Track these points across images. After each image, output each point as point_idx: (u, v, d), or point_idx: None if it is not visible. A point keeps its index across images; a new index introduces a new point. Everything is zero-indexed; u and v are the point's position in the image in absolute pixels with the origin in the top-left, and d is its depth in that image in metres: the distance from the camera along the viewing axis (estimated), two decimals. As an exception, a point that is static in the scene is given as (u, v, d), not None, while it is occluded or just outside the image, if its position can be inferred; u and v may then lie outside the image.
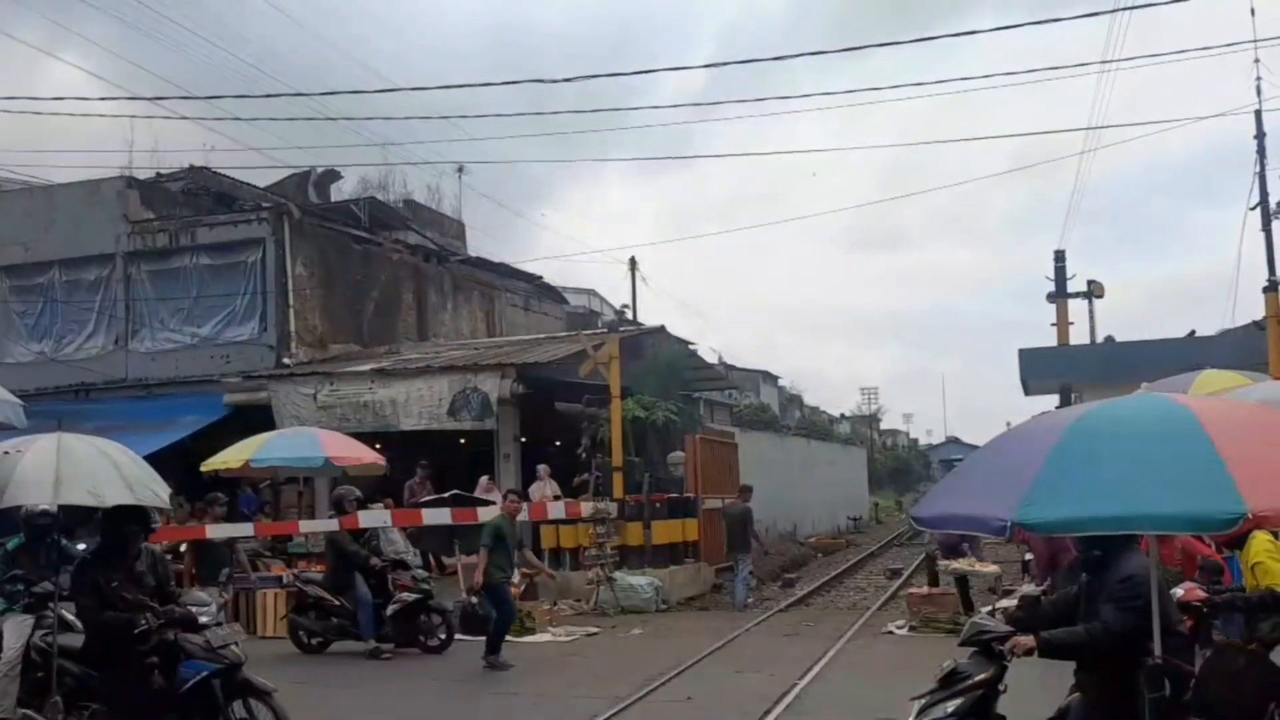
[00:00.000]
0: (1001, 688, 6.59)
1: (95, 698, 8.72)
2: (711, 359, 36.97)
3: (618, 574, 19.33)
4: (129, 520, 8.59)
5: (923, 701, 6.65)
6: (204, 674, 8.38)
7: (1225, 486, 4.57)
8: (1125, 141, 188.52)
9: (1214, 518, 4.60)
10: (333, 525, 15.48)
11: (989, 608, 11.59)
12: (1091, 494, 4.87)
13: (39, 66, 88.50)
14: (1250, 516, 4.48)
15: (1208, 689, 5.58)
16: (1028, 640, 6.18)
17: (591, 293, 45.90)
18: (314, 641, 15.03)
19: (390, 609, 14.46)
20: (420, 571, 15.36)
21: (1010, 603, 11.91)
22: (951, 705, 6.48)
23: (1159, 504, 4.72)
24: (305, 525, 17.89)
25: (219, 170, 30.22)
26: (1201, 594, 7.52)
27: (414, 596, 14.57)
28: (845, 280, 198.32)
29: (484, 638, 13.75)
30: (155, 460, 11.69)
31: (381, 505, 17.65)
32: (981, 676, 6.49)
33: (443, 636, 14.90)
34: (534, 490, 20.87)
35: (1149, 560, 6.05)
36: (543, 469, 21.53)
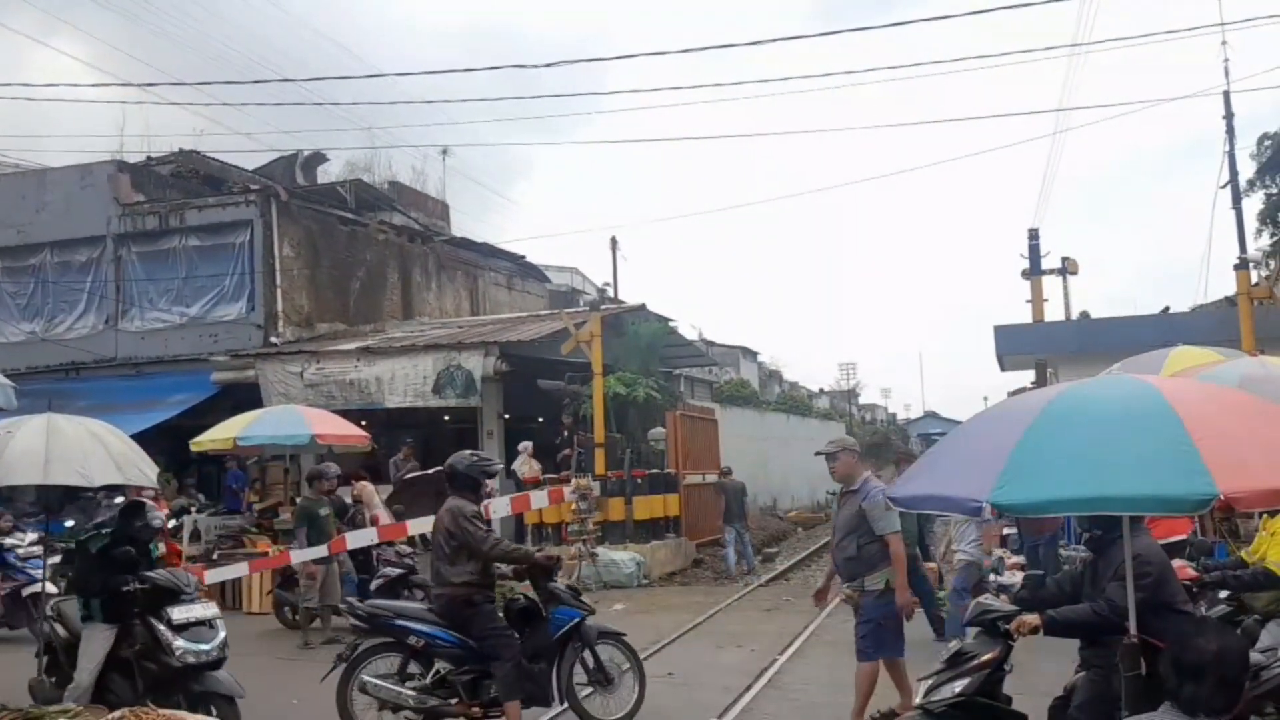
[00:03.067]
0: (1007, 667, 6.57)
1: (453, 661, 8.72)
2: (691, 335, 37.16)
3: (599, 549, 19.49)
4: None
5: (929, 682, 6.64)
6: (576, 619, 8.97)
7: (1196, 468, 4.60)
8: (1098, 122, 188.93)
9: (1186, 499, 4.65)
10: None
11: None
12: (1064, 475, 4.89)
13: (32, 54, 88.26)
14: (1221, 498, 4.52)
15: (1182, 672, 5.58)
16: (1033, 619, 6.16)
17: (574, 271, 45.91)
18: (298, 617, 14.94)
19: (374, 584, 14.42)
20: (404, 547, 15.34)
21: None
22: (959, 685, 6.44)
23: (1131, 486, 4.74)
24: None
25: (208, 154, 30.46)
26: (1192, 573, 7.63)
27: (397, 572, 14.53)
28: (825, 257, 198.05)
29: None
30: (144, 438, 11.98)
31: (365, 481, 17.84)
32: (987, 656, 6.45)
33: None
34: (517, 466, 21.18)
35: (1153, 540, 6.07)
36: (525, 446, 21.78)
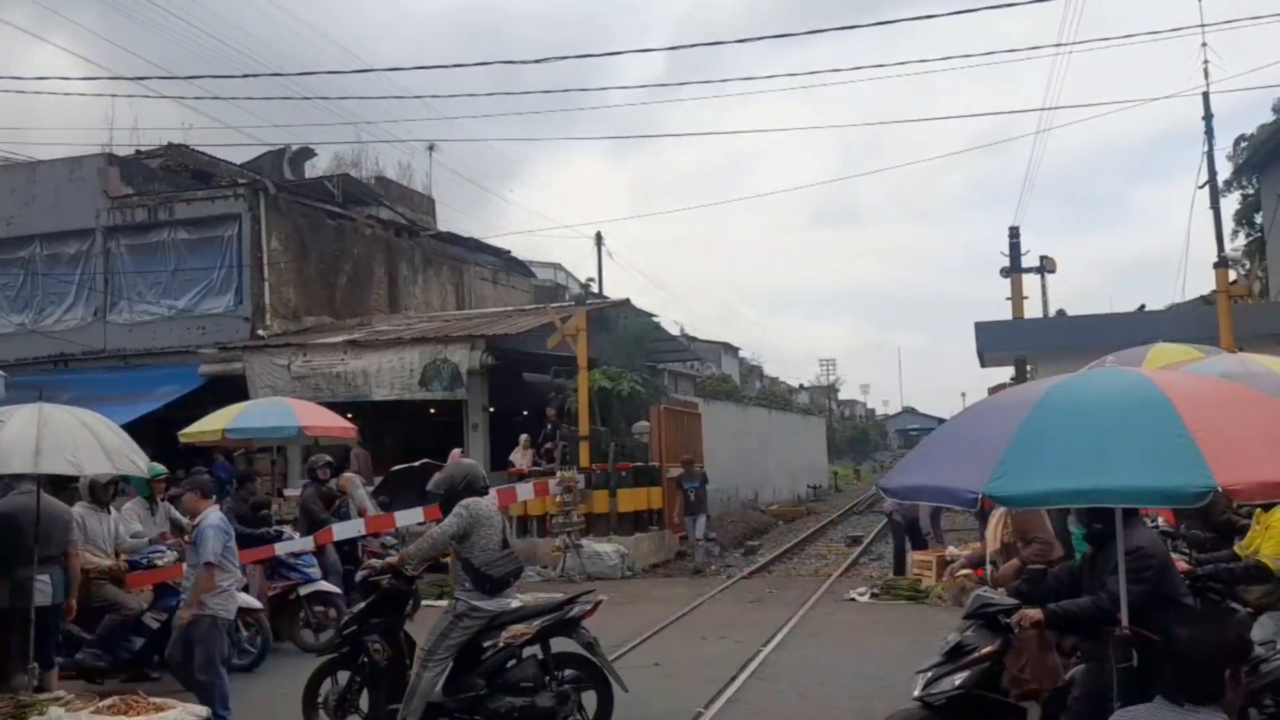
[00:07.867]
0: (1006, 660, 6.52)
1: None
2: (674, 331, 37.35)
3: (584, 541, 19.67)
4: None
5: (929, 674, 6.62)
6: None
7: (1194, 460, 4.55)
8: (1078, 122, 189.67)
9: (1184, 491, 4.56)
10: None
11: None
12: (1061, 467, 4.81)
13: (24, 48, 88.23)
14: (1220, 490, 4.45)
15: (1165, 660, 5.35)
16: (1035, 613, 6.13)
17: (558, 267, 46.18)
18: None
19: (359, 575, 14.52)
20: (389, 539, 15.36)
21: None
22: (958, 678, 6.45)
23: (1129, 477, 4.66)
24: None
25: (197, 148, 30.58)
26: (1185, 565, 7.58)
27: (382, 562, 14.60)
28: (804, 255, 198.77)
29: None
30: (131, 429, 12.10)
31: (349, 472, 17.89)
32: (988, 649, 6.46)
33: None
34: (514, 458, 21.51)
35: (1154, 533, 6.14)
36: (523, 438, 22.15)
